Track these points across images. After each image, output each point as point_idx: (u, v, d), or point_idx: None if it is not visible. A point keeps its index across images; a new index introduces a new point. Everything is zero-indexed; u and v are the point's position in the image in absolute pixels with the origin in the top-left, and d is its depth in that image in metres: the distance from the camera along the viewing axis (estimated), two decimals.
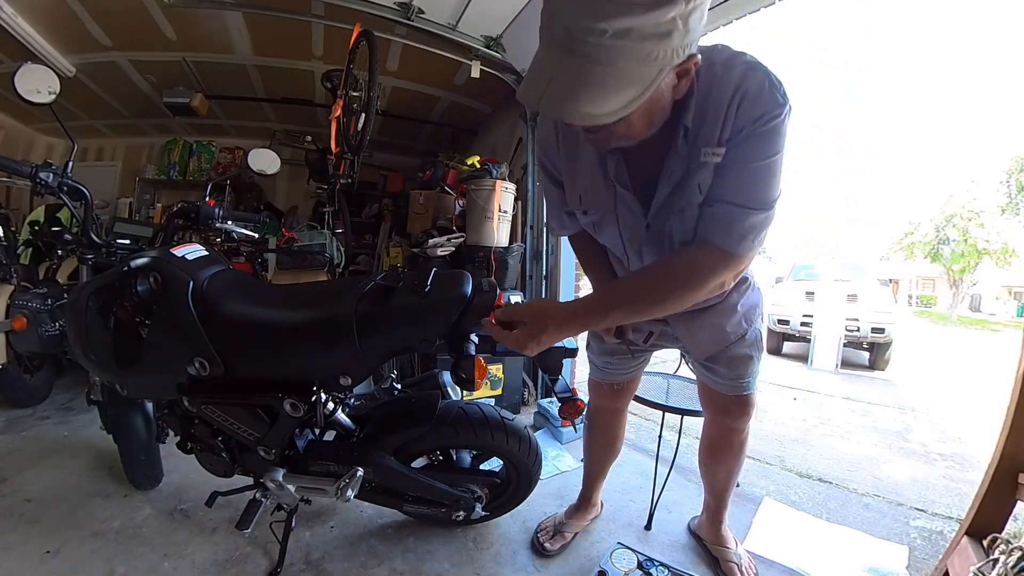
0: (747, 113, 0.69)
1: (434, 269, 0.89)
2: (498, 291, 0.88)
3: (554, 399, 1.89)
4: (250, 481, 1.16)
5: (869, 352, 4.93)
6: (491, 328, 0.77)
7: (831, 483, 1.93)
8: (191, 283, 0.96)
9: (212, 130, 3.59)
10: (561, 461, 1.81)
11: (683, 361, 1.17)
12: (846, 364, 4.88)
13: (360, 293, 0.87)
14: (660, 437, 1.43)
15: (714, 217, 0.75)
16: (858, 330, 4.77)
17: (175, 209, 1.29)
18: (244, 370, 0.97)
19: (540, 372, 2.44)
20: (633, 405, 1.35)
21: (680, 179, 0.76)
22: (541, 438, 2.02)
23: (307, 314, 0.90)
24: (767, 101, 0.68)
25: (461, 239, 2.31)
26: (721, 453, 1.17)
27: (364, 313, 0.85)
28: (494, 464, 1.28)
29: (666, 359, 1.52)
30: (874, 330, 4.71)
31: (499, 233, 2.27)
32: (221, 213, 1.29)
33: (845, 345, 4.81)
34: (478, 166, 2.45)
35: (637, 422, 2.47)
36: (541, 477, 1.32)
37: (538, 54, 0.60)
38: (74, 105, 2.99)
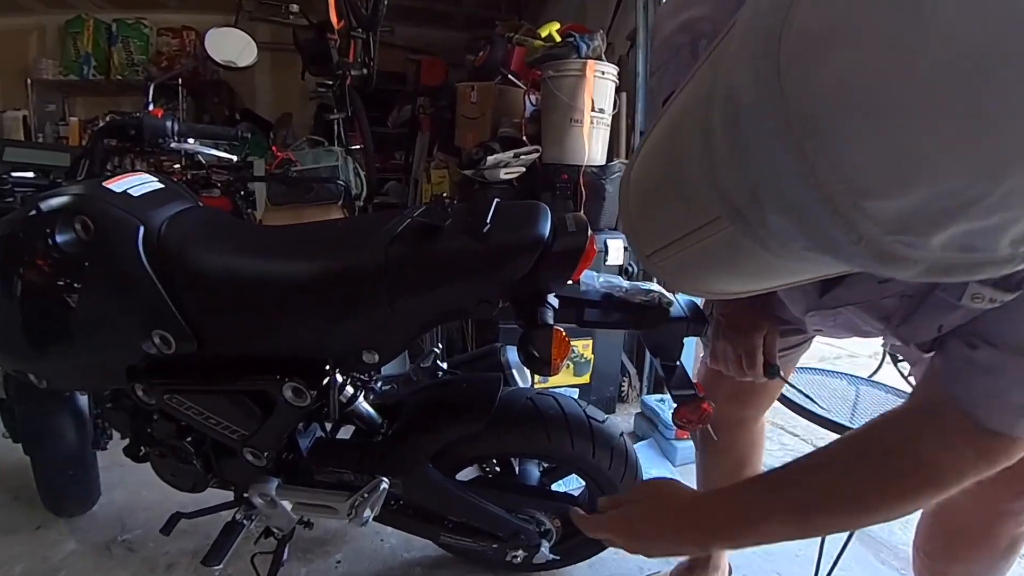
0: None
1: (496, 200, 0.94)
2: (589, 232, 0.92)
3: (667, 397, 1.90)
4: (229, 496, 1.28)
5: None
6: (581, 520, 0.86)
7: None
8: (141, 228, 1.04)
9: (140, 1, 3.62)
10: None
11: (889, 358, 1.15)
12: None
13: (391, 235, 0.94)
14: None
15: (975, 369, 0.66)
16: None
17: (102, 124, 1.36)
18: (226, 345, 1.08)
19: (648, 356, 2.50)
20: (792, 421, 1.29)
21: (896, 290, 0.73)
22: (644, 453, 2.09)
23: (316, 265, 0.98)
24: None
25: (535, 155, 2.35)
26: (969, 547, 1.03)
27: (397, 263, 0.93)
28: (572, 484, 1.37)
29: (857, 351, 1.39)
30: None
31: (592, 145, 2.29)
32: (176, 127, 1.37)
33: None
34: (558, 39, 2.42)
35: (797, 447, 2.31)
36: None
37: (679, 182, 0.52)
38: None
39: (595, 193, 2.31)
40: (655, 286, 1.03)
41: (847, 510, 0.72)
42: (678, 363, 0.98)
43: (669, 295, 1.02)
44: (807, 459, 0.83)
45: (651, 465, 2.01)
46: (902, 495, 0.69)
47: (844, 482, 0.72)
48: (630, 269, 2.36)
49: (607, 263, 2.30)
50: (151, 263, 1.03)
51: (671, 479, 0.87)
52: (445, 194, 2.77)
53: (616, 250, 2.32)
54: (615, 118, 2.39)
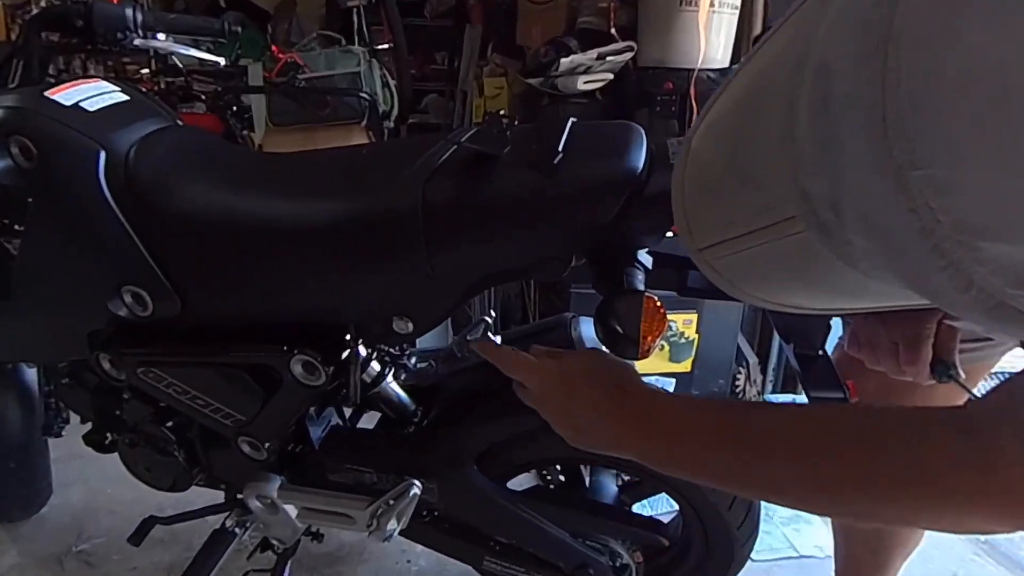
0: None
1: (571, 120, 0.92)
2: None
3: (802, 398, 1.91)
4: (219, 498, 1.32)
5: None
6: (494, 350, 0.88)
7: None
8: (101, 153, 1.03)
9: None
10: (800, 532, 1.85)
11: None
12: None
13: (431, 168, 0.93)
14: None
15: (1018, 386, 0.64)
16: None
17: (36, 11, 1.35)
18: (218, 306, 1.09)
19: (777, 340, 2.43)
20: None
21: None
22: None
23: (332, 206, 0.98)
24: None
25: (627, 56, 2.28)
26: None
27: (438, 205, 0.91)
28: (660, 507, 1.38)
29: None
30: None
31: (710, 39, 2.19)
32: (140, 18, 1.33)
33: None
34: None
35: None
36: (753, 555, 1.36)
37: (751, 166, 0.54)
38: None
39: None
40: None
41: (803, 478, 0.68)
42: (820, 352, 0.94)
43: None
44: (795, 406, 0.86)
45: None
46: (868, 488, 0.65)
47: (810, 439, 0.69)
48: None
49: None
50: (117, 200, 1.03)
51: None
52: (503, 111, 2.69)
53: None
54: (743, 3, 2.25)
